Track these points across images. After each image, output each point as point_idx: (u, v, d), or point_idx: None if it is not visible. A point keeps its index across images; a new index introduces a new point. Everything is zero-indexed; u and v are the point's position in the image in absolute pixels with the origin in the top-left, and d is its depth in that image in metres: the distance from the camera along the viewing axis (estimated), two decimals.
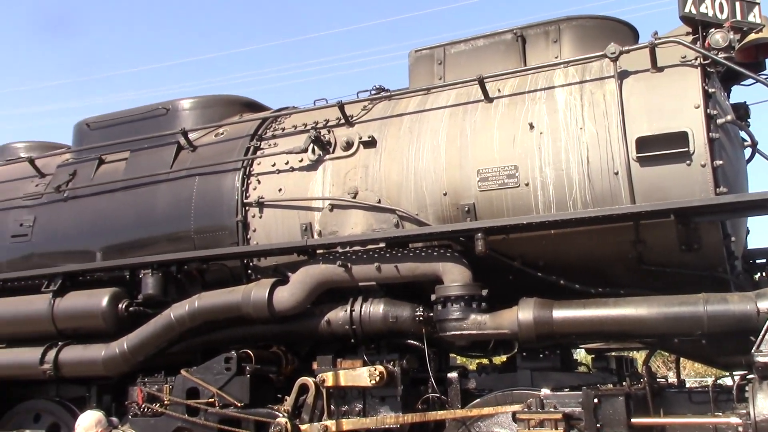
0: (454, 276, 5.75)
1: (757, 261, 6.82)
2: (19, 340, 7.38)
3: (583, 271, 5.79)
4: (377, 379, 5.83)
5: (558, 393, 5.45)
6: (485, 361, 6.73)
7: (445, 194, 6.04)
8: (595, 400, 5.18)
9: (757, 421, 4.64)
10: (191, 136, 7.42)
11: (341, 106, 6.71)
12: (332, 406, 6.08)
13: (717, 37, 5.58)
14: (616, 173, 5.52)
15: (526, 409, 5.36)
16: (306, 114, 7.12)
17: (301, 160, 6.72)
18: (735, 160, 5.68)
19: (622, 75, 5.72)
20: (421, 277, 5.96)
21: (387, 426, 5.86)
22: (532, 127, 5.86)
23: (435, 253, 5.91)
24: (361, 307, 6.07)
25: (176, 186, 7.19)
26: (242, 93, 9.56)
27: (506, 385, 5.83)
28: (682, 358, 7.80)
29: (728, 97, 6.08)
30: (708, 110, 5.41)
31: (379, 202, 6.28)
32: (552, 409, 5.30)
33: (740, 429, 4.82)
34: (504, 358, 6.42)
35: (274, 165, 6.84)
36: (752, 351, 4.75)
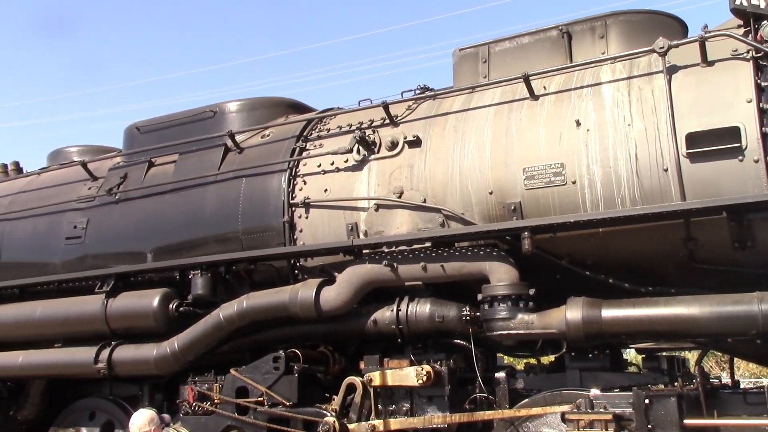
0: (501, 275, 5.72)
1: None
2: (74, 339, 7.56)
3: (632, 269, 5.70)
4: (424, 378, 5.83)
5: (608, 393, 5.38)
6: (533, 360, 6.68)
7: (490, 193, 6.01)
8: (647, 401, 5.10)
9: None
10: (238, 138, 7.52)
11: (386, 106, 6.72)
12: (379, 406, 6.10)
13: None
14: (666, 170, 5.42)
15: (575, 410, 5.31)
16: (351, 114, 7.15)
17: (346, 161, 6.75)
18: None
19: (671, 70, 5.62)
20: (467, 276, 5.94)
21: (434, 426, 5.86)
22: (578, 124, 5.80)
23: (481, 253, 5.87)
24: (407, 307, 6.07)
25: (224, 187, 7.28)
26: (287, 95, 9.63)
27: (555, 385, 5.78)
28: (736, 358, 7.64)
29: None
30: (761, 104, 5.26)
31: (425, 201, 6.27)
32: (602, 410, 5.24)
33: None
34: (552, 358, 6.36)
35: (319, 166, 6.88)
36: None
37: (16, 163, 10.06)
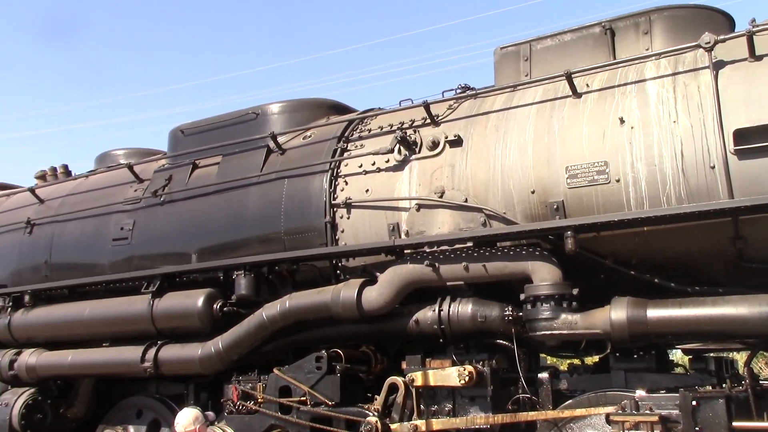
0: (544, 275, 5.67)
1: None
2: (121, 339, 7.71)
3: (678, 269, 5.61)
4: (466, 378, 5.80)
5: (654, 395, 5.28)
6: (577, 361, 6.61)
7: (533, 192, 5.96)
8: (694, 403, 4.99)
9: None
10: (280, 139, 7.57)
11: (427, 106, 6.71)
12: (422, 406, 6.08)
13: None
14: (713, 167, 5.32)
15: (620, 411, 5.22)
16: (392, 114, 7.16)
17: (387, 161, 6.75)
18: None
19: (718, 65, 5.51)
20: (509, 276, 5.90)
21: (477, 426, 5.82)
22: (622, 121, 5.71)
23: (523, 252, 5.83)
24: (449, 307, 6.05)
25: (266, 188, 7.34)
26: (328, 96, 9.67)
27: (599, 386, 5.69)
28: None
29: None
30: None
31: (466, 201, 6.25)
32: (648, 411, 5.13)
33: None
34: (596, 358, 6.29)
35: (360, 166, 6.90)
36: None
37: (65, 166, 10.30)
